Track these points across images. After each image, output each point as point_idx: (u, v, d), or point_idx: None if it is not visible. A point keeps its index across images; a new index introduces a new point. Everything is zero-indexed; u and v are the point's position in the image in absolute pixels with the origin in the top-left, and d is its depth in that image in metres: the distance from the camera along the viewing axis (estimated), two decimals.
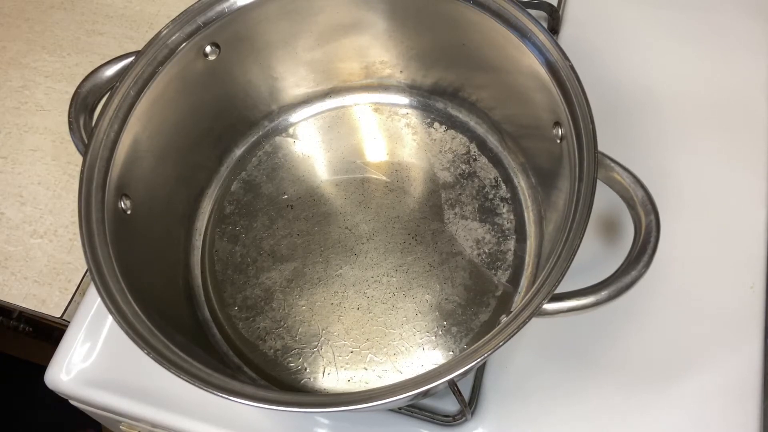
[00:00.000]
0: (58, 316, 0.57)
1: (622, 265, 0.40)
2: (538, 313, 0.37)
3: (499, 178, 0.55)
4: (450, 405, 0.49)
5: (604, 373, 0.49)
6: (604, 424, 0.48)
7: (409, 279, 0.52)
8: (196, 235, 0.55)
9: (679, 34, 0.63)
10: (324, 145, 0.58)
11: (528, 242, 0.52)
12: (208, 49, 0.50)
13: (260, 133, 0.59)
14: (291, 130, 0.59)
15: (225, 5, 0.49)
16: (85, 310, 0.55)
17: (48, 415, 0.97)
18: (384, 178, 0.56)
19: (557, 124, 0.45)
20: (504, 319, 0.48)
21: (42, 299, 0.57)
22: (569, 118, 0.43)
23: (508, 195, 0.54)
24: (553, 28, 0.63)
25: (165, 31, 0.47)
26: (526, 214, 0.53)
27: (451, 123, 0.58)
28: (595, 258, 0.53)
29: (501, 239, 0.53)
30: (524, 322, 0.36)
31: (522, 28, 0.45)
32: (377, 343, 0.50)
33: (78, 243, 0.55)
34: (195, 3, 0.48)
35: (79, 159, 0.45)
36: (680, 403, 0.48)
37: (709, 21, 0.63)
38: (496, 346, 0.35)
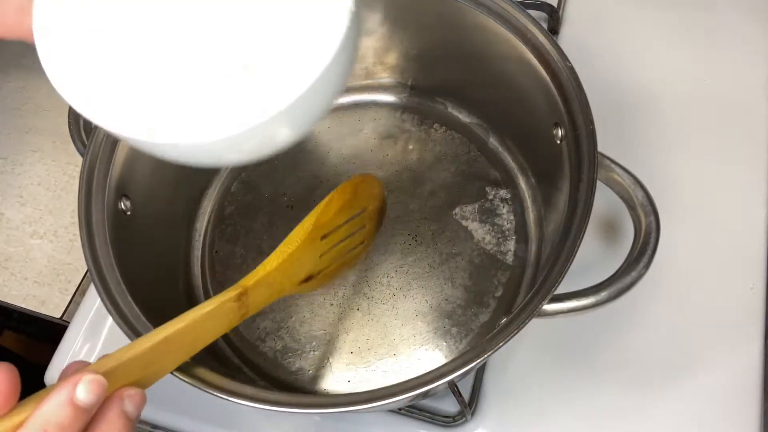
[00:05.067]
0: (58, 316, 0.57)
1: (621, 265, 0.40)
2: (538, 313, 0.37)
3: (499, 178, 0.55)
4: (450, 406, 0.49)
5: (604, 373, 0.49)
6: (604, 425, 0.48)
7: (409, 280, 0.52)
8: (196, 235, 0.55)
9: (679, 34, 0.63)
10: (324, 146, 0.58)
11: (528, 243, 0.52)
12: None
13: None
14: None
15: None
16: (85, 311, 0.55)
17: None
18: (384, 178, 0.56)
19: (557, 124, 0.45)
20: (504, 319, 0.48)
21: (42, 300, 0.57)
22: (569, 119, 0.43)
23: (508, 195, 0.54)
24: (553, 29, 0.63)
25: None
26: (526, 215, 0.53)
27: (451, 123, 0.58)
28: (595, 259, 0.53)
29: (501, 240, 0.53)
30: (524, 323, 0.36)
31: (521, 28, 0.45)
32: (377, 343, 0.50)
33: (78, 244, 0.55)
34: None
35: (79, 160, 0.45)
36: (680, 404, 0.48)
37: (709, 21, 0.63)
38: (496, 346, 0.35)
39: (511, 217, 0.53)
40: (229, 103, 0.27)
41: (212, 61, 0.28)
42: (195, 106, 0.27)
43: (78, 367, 0.30)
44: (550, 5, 0.62)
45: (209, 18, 0.28)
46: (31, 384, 0.30)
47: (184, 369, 0.37)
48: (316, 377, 0.49)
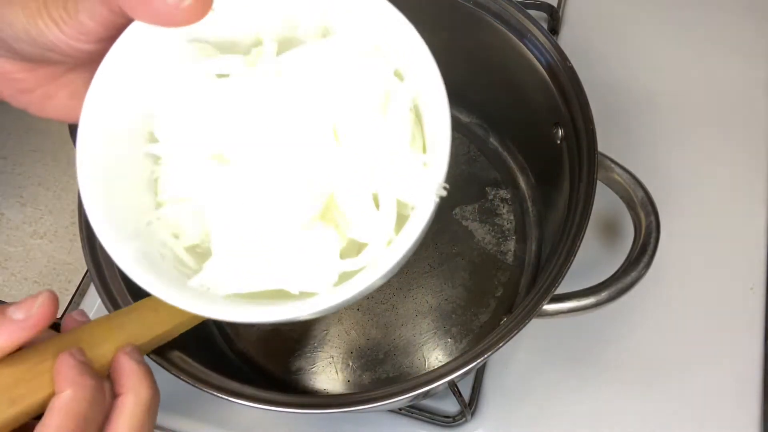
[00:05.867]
0: (58, 317, 0.56)
1: (622, 265, 0.40)
2: (539, 313, 0.37)
3: (499, 178, 0.55)
4: (450, 406, 0.49)
5: (604, 373, 0.49)
6: (604, 424, 0.48)
7: (409, 280, 0.51)
8: None
9: (679, 34, 0.63)
10: None
11: (528, 243, 0.52)
12: None
13: None
14: None
15: None
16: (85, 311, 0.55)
17: None
18: None
19: (557, 124, 0.45)
20: (504, 319, 0.48)
21: None
22: (569, 119, 0.43)
23: (508, 195, 0.54)
24: (553, 29, 0.63)
25: None
26: (526, 215, 0.53)
27: (451, 123, 0.58)
28: (595, 259, 0.52)
29: (501, 239, 0.53)
30: (524, 323, 0.36)
31: (522, 29, 0.45)
32: (377, 343, 0.50)
33: (78, 244, 0.55)
34: None
35: None
36: (680, 403, 0.48)
37: (709, 21, 0.63)
38: (496, 347, 0.35)
39: (511, 217, 0.53)
40: (325, 277, 0.27)
41: (298, 220, 0.27)
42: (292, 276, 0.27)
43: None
44: (550, 5, 0.62)
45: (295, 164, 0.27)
46: None
47: (184, 369, 0.37)
48: (316, 377, 0.49)
